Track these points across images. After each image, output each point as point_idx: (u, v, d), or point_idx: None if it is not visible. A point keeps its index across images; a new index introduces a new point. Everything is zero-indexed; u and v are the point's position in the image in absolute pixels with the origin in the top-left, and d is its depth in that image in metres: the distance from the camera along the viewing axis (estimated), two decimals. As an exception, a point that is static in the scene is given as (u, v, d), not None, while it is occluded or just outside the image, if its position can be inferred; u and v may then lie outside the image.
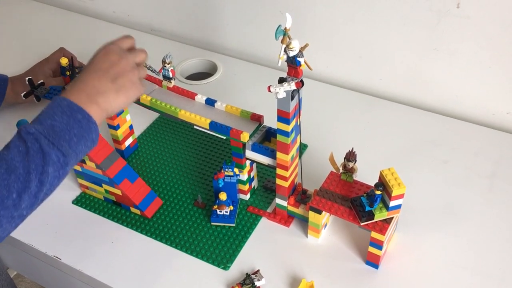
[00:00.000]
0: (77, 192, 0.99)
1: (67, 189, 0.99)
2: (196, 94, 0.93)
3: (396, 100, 1.16)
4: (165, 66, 0.91)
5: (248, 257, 0.87)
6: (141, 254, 0.88)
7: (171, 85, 0.94)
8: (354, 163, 0.83)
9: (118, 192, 0.92)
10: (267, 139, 0.90)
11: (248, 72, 1.27)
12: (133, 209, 0.94)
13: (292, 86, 0.70)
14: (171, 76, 0.92)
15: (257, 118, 0.88)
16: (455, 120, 1.10)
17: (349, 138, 1.07)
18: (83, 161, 0.90)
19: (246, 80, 1.25)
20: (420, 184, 0.97)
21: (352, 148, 0.83)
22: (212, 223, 0.92)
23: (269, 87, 0.71)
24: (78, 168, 0.93)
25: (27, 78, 0.95)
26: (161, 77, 0.94)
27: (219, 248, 0.88)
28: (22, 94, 0.95)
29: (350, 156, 0.82)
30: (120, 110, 0.79)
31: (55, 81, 1.11)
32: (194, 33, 1.39)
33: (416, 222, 0.90)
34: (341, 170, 0.85)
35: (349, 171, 0.84)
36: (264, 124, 0.89)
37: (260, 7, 1.22)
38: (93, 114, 0.70)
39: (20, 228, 0.91)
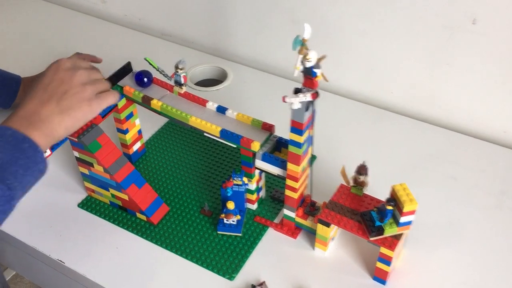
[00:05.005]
0: (83, 195, 0.98)
1: (73, 192, 0.98)
2: (207, 101, 0.92)
3: (406, 114, 1.16)
4: (178, 72, 0.90)
5: (253, 267, 0.86)
6: (146, 261, 0.87)
7: (182, 91, 0.93)
8: (365, 177, 0.82)
9: (125, 197, 0.91)
10: (277, 149, 0.89)
11: (258, 81, 1.27)
12: (139, 215, 0.93)
13: (308, 97, 0.70)
14: (183, 82, 0.92)
15: (268, 128, 0.87)
16: (465, 136, 1.09)
17: (357, 150, 1.06)
18: (91, 165, 0.90)
19: (255, 88, 1.24)
20: (427, 200, 0.95)
21: (364, 162, 0.82)
22: (218, 232, 0.91)
23: (284, 98, 0.70)
24: (85, 171, 0.92)
25: (37, 79, 0.94)
26: (172, 83, 0.93)
27: (225, 257, 0.87)
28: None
29: (362, 170, 0.82)
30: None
31: None
32: (205, 39, 1.39)
33: (424, 238, 0.89)
34: (351, 183, 0.84)
35: (359, 184, 0.83)
36: (275, 134, 0.88)
37: (273, 16, 1.22)
38: (38, 141, 0.66)
39: (24, 230, 0.91)
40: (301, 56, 0.68)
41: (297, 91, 0.71)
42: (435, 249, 0.88)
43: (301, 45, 0.67)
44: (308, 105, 0.72)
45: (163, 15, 1.42)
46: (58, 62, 0.74)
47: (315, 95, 0.70)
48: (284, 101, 0.70)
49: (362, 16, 1.10)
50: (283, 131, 0.85)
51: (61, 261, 0.87)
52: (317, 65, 0.69)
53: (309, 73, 0.70)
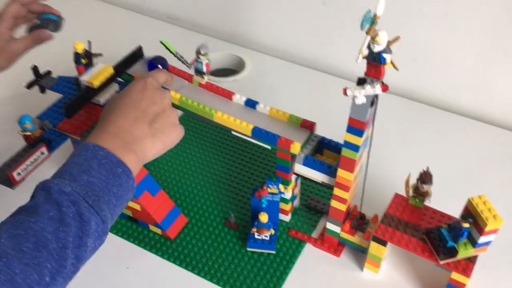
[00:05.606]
0: (85, 203, 0.84)
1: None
2: (234, 93, 0.78)
3: (454, 111, 1.02)
4: (199, 58, 0.76)
5: (291, 292, 0.73)
6: (161, 283, 0.74)
7: (203, 81, 0.79)
8: (430, 186, 0.69)
9: (136, 206, 0.77)
10: (318, 151, 0.75)
11: (281, 71, 1.13)
12: (152, 228, 0.79)
13: (377, 89, 0.56)
14: (205, 71, 0.77)
15: (308, 126, 0.73)
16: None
17: (398, 152, 0.92)
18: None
19: (278, 80, 1.11)
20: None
21: (428, 168, 0.68)
22: (248, 249, 0.77)
23: (345, 89, 0.56)
24: (88, 175, 0.78)
25: (31, 66, 0.80)
26: (191, 71, 0.79)
27: (257, 280, 0.73)
28: (25, 84, 0.80)
29: (426, 178, 0.68)
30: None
31: (23, 41, 0.81)
32: (218, 23, 1.24)
33: (487, 257, 0.76)
34: (411, 193, 0.70)
35: (421, 195, 0.70)
36: (316, 133, 0.74)
37: (300, -3, 1.08)
38: (131, 166, 0.57)
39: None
40: (369, 38, 0.54)
41: (361, 81, 0.57)
42: (503, 271, 0.75)
43: (371, 23, 0.53)
44: (373, 100, 0.58)
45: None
46: (144, 81, 0.65)
47: (386, 87, 0.56)
48: (345, 94, 0.56)
49: (405, -3, 0.96)
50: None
51: (60, 284, 0.73)
52: (387, 49, 0.55)
53: (375, 60, 0.56)
